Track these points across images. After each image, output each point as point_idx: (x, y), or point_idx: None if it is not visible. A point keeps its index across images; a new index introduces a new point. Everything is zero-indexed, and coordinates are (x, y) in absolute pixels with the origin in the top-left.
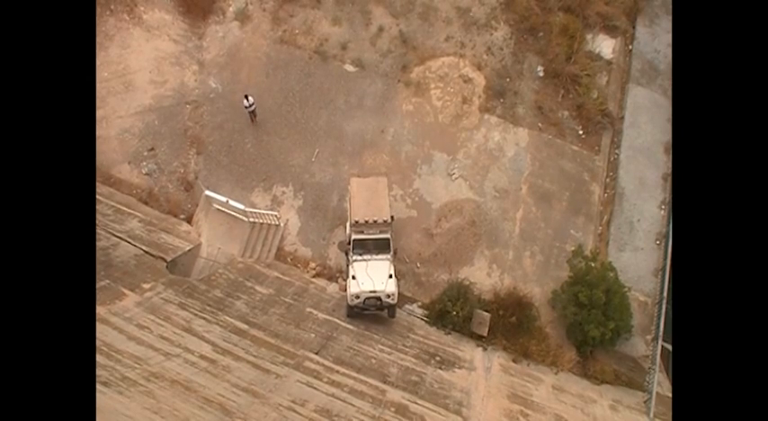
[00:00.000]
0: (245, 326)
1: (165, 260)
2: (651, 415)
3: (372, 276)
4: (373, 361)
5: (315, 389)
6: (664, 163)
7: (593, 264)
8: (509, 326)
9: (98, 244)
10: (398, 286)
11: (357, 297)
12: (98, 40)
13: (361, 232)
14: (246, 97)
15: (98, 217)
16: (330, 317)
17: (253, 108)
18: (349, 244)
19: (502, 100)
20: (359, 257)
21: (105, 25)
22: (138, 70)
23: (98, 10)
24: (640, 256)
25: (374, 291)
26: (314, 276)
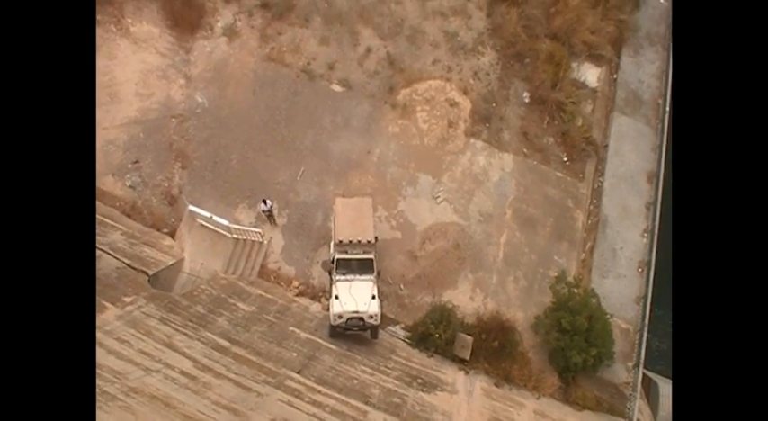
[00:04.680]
0: (226, 343)
1: (147, 274)
2: None
3: (355, 296)
4: (355, 381)
5: (296, 408)
6: (647, 191)
7: (575, 291)
8: (491, 350)
9: None
10: (381, 307)
11: (340, 317)
12: None
13: (345, 252)
14: (264, 201)
15: None
16: (312, 337)
17: (271, 212)
18: (333, 263)
19: (487, 125)
20: (342, 277)
21: None
22: (124, 82)
23: None
24: (623, 284)
25: (357, 312)
26: (297, 295)
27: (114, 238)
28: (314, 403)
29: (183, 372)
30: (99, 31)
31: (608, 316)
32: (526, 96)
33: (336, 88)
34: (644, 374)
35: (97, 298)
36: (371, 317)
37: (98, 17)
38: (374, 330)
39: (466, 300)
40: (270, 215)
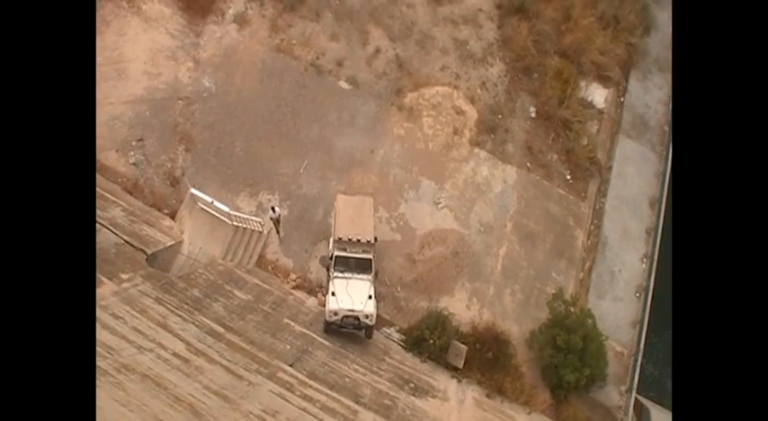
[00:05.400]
0: (221, 329)
1: (145, 252)
2: None
3: (352, 295)
4: (347, 379)
5: (286, 401)
6: (648, 216)
7: (572, 309)
8: (485, 360)
9: None
10: (377, 308)
11: (335, 314)
12: None
13: (344, 249)
14: (273, 209)
15: None
16: (307, 331)
17: (279, 219)
18: (331, 259)
19: (492, 136)
20: (340, 274)
21: (103, 10)
22: (133, 59)
23: None
24: (619, 307)
25: (353, 310)
26: (294, 288)
27: (114, 214)
28: (305, 397)
29: (175, 354)
30: (110, 7)
31: (603, 337)
32: (533, 111)
33: (344, 85)
34: (636, 399)
35: None
36: (367, 316)
37: None
38: (369, 330)
39: (462, 308)
40: (277, 222)
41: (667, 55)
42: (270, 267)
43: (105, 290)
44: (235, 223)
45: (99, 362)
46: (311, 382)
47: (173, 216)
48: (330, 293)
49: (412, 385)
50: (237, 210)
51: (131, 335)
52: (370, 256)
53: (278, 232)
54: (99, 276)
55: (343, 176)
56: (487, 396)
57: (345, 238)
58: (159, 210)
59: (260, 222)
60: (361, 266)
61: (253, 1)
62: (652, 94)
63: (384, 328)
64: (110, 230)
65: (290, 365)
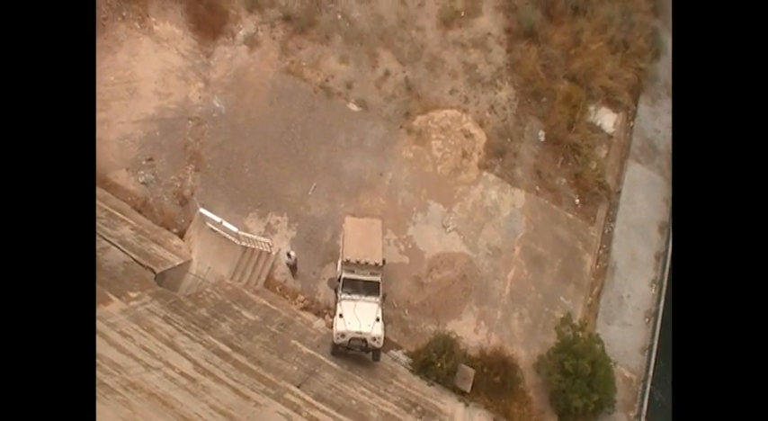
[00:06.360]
0: (228, 349)
1: (153, 271)
2: None
3: (360, 317)
4: (354, 402)
5: None
6: (657, 242)
7: (580, 334)
8: (492, 385)
9: None
10: (385, 330)
11: (343, 335)
12: (107, 43)
13: (352, 271)
14: (288, 254)
15: None
16: (314, 353)
17: (295, 264)
18: (339, 281)
19: (501, 159)
20: (348, 296)
21: (116, 30)
22: (144, 79)
23: (110, 14)
24: (628, 332)
25: (360, 332)
26: (301, 309)
27: (123, 232)
28: (311, 419)
29: (182, 373)
30: (123, 27)
31: (611, 363)
32: (541, 135)
33: (353, 107)
34: None
35: (103, 290)
36: (374, 339)
37: (123, 13)
38: (376, 352)
39: (470, 332)
40: (293, 267)
41: None
42: (278, 288)
43: (113, 308)
44: (243, 244)
45: (106, 380)
46: (318, 404)
47: (181, 235)
48: (338, 315)
49: (419, 408)
50: (246, 230)
51: (139, 353)
52: (378, 279)
53: (294, 276)
54: (107, 294)
55: (351, 199)
56: (495, 420)
57: (353, 260)
58: (168, 230)
59: (268, 243)
60: (369, 289)
61: (263, 23)
62: (661, 119)
63: (391, 351)
64: (119, 248)
65: (298, 386)
